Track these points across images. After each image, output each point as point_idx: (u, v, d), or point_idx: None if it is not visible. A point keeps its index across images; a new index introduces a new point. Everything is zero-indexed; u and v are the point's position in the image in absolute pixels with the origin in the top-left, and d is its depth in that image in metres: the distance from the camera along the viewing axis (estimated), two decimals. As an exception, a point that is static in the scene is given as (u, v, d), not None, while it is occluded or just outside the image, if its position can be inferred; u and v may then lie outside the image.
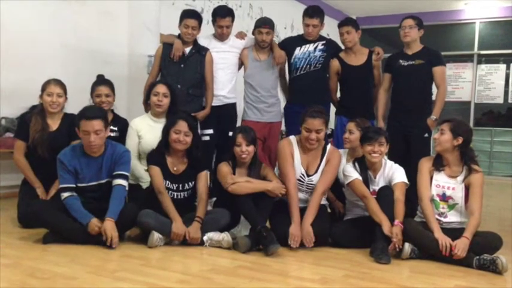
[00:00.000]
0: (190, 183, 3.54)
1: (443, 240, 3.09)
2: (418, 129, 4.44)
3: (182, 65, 4.39)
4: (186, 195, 3.54)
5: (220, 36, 4.57)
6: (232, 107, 4.70)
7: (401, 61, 4.57)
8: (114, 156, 3.39)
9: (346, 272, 2.89)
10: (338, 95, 4.96)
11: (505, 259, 2.93)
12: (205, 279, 2.65)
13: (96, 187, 3.38)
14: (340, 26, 4.70)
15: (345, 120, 4.57)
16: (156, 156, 3.50)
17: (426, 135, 4.48)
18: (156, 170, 3.44)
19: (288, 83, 4.86)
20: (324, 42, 4.69)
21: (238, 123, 4.70)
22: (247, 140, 3.49)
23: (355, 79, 4.71)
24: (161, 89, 3.95)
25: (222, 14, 4.51)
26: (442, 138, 3.31)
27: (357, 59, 4.72)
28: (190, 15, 4.43)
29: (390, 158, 3.69)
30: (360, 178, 3.44)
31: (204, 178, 3.55)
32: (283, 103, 4.89)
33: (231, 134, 3.97)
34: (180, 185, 3.51)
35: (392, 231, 3.16)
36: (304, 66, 4.65)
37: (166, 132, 3.49)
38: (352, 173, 3.46)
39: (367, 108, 4.68)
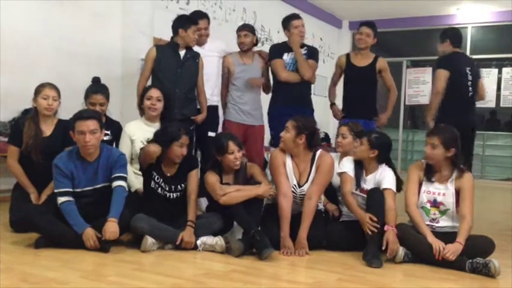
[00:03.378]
0: (182, 184, 3.53)
1: (436, 244, 3.10)
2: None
3: (179, 70, 4.41)
4: (179, 195, 3.53)
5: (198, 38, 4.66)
6: (213, 109, 4.78)
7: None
8: (110, 160, 3.38)
9: (339, 275, 2.89)
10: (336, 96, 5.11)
11: (498, 262, 2.94)
12: (198, 283, 2.64)
13: (91, 192, 3.36)
14: (365, 25, 4.86)
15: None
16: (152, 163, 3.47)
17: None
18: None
19: (273, 86, 4.93)
20: (306, 48, 4.79)
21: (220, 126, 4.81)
22: (238, 146, 3.50)
23: (356, 79, 4.82)
24: (155, 93, 3.98)
25: (201, 16, 4.72)
26: (435, 153, 3.28)
27: (363, 60, 4.88)
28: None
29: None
30: (351, 174, 3.47)
31: (194, 177, 3.52)
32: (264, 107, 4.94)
33: (210, 134, 4.04)
34: (173, 187, 3.50)
35: (385, 237, 3.16)
36: (292, 71, 4.73)
37: (167, 144, 3.40)
38: (345, 167, 3.50)
39: (368, 109, 4.80)
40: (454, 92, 4.58)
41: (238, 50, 4.84)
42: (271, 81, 4.95)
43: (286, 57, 4.71)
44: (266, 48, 5.17)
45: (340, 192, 3.50)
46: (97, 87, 4.08)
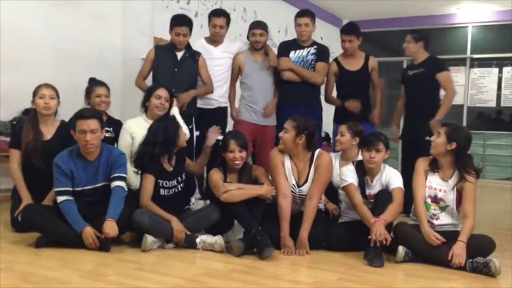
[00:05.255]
0: (182, 175, 3.58)
1: (430, 234, 3.12)
2: (422, 132, 4.63)
3: (176, 69, 4.40)
4: (182, 186, 3.57)
5: (214, 35, 4.58)
6: (222, 110, 4.72)
7: (409, 71, 4.89)
8: (110, 159, 3.39)
9: (340, 275, 2.89)
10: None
11: (498, 262, 2.94)
12: (199, 283, 2.64)
13: (92, 191, 3.37)
14: (343, 33, 4.81)
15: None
16: (153, 163, 3.46)
17: (427, 138, 4.50)
18: (150, 181, 3.41)
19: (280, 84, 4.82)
20: (316, 47, 4.73)
21: (229, 128, 4.72)
22: (239, 146, 3.50)
23: (351, 84, 4.79)
24: (164, 93, 3.96)
25: (218, 13, 4.62)
26: (437, 141, 3.32)
27: (355, 63, 4.82)
28: (180, 22, 4.41)
29: (403, 162, 3.69)
30: (355, 183, 3.44)
31: (189, 161, 3.78)
32: None
33: (220, 137, 3.99)
34: (175, 181, 3.53)
35: (372, 229, 3.14)
36: None
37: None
38: (348, 178, 3.46)
39: (363, 112, 4.77)
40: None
41: (249, 47, 4.72)
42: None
43: (293, 55, 4.66)
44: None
45: (351, 203, 3.45)
46: (98, 81, 4.11)
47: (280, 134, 3.52)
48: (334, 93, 5.05)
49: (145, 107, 4.03)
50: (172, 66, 4.40)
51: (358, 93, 4.79)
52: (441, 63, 4.92)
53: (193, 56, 4.47)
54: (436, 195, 3.33)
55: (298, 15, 4.74)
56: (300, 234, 3.33)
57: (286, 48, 4.74)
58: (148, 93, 4.01)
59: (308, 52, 4.67)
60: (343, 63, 4.85)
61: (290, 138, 3.45)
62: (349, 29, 4.85)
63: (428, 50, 4.94)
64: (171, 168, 3.53)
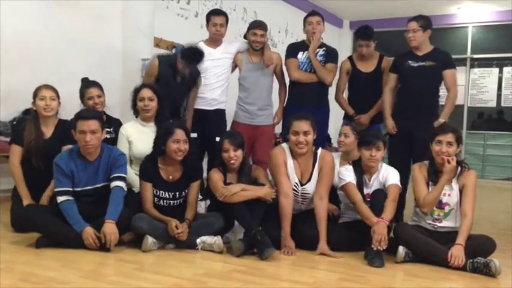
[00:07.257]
0: (185, 191, 3.53)
1: (450, 252, 3.07)
2: (424, 130, 4.01)
3: (176, 85, 4.34)
4: (181, 201, 3.54)
5: (214, 34, 4.56)
6: (221, 112, 4.67)
7: (410, 62, 4.42)
8: (110, 159, 3.39)
9: (340, 275, 2.89)
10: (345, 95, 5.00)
11: (499, 262, 2.94)
12: (199, 283, 2.65)
13: (92, 191, 3.37)
14: (361, 38, 4.74)
15: None
16: (148, 171, 3.47)
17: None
18: (147, 189, 3.42)
19: (288, 86, 4.80)
20: (324, 48, 4.70)
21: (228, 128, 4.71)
22: (234, 145, 3.49)
23: (363, 85, 4.73)
24: (146, 93, 3.87)
25: (216, 12, 4.61)
26: (451, 151, 3.28)
27: (368, 64, 4.76)
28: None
29: (391, 158, 3.65)
30: (354, 182, 3.43)
31: (196, 188, 3.54)
32: (275, 108, 4.87)
33: (217, 139, 3.98)
34: (177, 193, 3.50)
35: (373, 229, 3.13)
36: (306, 71, 4.63)
37: (162, 142, 3.42)
38: (346, 177, 3.45)
39: (375, 115, 4.73)
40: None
41: (247, 47, 4.67)
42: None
43: (301, 56, 4.64)
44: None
45: (351, 202, 3.43)
46: (88, 82, 4.10)
47: (301, 139, 3.43)
48: (345, 93, 5.01)
49: (136, 110, 3.98)
50: (171, 83, 4.30)
51: (369, 95, 4.72)
52: (451, 58, 4.51)
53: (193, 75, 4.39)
54: (441, 200, 3.31)
55: (310, 14, 4.74)
56: (320, 244, 3.29)
57: (294, 49, 4.70)
58: (134, 96, 3.93)
59: (317, 53, 4.62)
60: (357, 63, 4.78)
61: (312, 138, 3.46)
62: (367, 35, 4.74)
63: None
64: (171, 177, 3.49)
